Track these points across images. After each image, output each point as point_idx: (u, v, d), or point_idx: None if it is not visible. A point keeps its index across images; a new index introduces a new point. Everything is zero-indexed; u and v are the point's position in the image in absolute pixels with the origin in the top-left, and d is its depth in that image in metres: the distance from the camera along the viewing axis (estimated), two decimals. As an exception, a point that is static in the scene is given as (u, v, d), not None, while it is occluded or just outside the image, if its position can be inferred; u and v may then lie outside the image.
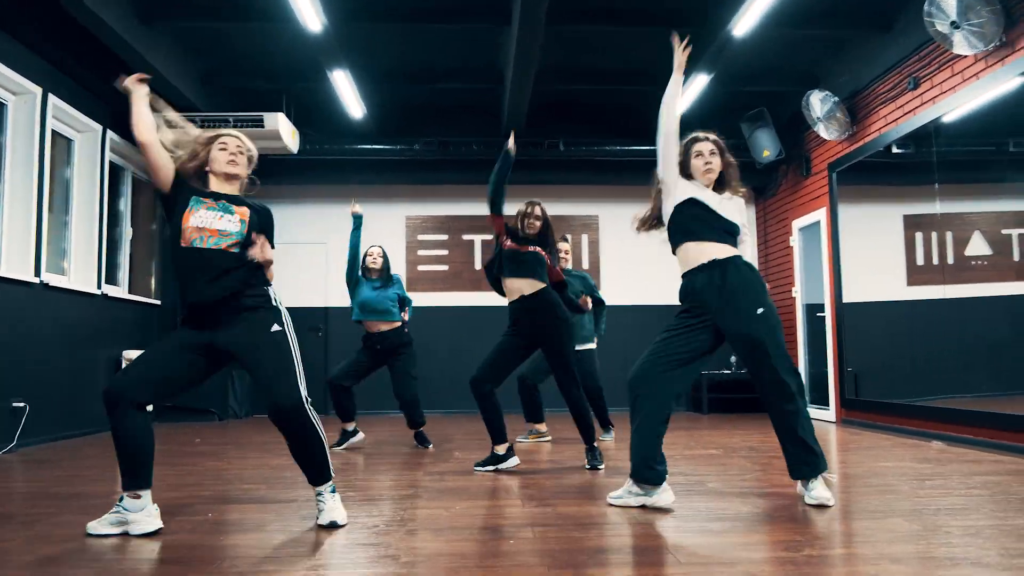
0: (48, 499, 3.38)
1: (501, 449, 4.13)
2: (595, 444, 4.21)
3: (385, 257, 5.46)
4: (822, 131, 6.78)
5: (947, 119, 5.42)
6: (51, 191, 6.03)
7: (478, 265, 8.70)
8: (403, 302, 5.42)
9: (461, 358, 7.76)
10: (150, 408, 2.70)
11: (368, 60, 6.69)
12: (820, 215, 7.38)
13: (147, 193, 7.82)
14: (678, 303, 3.24)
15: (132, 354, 6.68)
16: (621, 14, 5.89)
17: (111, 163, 6.92)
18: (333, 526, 2.68)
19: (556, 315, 4.12)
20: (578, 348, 5.37)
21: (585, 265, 8.81)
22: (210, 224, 2.68)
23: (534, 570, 2.14)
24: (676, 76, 3.22)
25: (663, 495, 3.03)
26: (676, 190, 3.21)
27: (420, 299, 8.39)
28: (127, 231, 7.37)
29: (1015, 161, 5.14)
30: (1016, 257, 5.02)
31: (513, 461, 4.14)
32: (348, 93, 6.83)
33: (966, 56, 5.10)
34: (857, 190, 6.90)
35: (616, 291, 8.64)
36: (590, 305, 5.02)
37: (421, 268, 8.78)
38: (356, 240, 5.29)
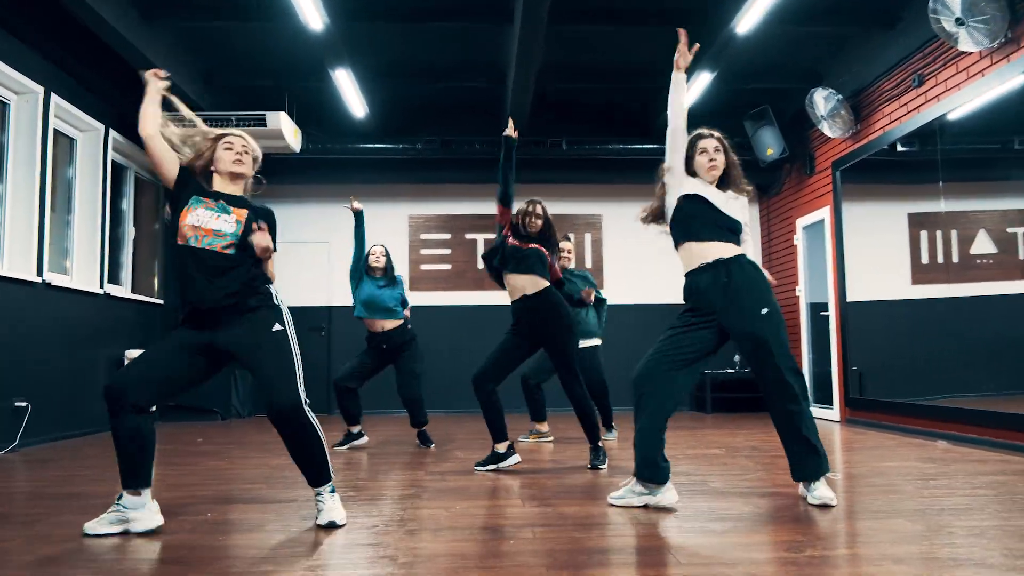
0: (48, 499, 3.37)
1: (502, 447, 4.12)
2: (599, 444, 4.19)
3: (388, 256, 5.45)
4: (826, 129, 6.74)
5: (952, 117, 5.39)
6: (53, 190, 6.04)
7: (481, 264, 8.68)
8: (403, 303, 5.41)
9: (464, 357, 7.74)
10: (153, 409, 2.69)
11: (370, 59, 6.68)
12: (824, 213, 7.34)
13: (150, 192, 7.83)
14: (682, 302, 3.22)
15: (134, 353, 6.68)
16: (623, 12, 5.88)
17: (114, 162, 6.92)
18: (332, 526, 2.67)
19: (559, 315, 4.10)
20: (582, 345, 5.34)
21: (588, 264, 8.79)
22: (206, 223, 2.67)
23: (533, 571, 2.12)
24: (676, 74, 3.18)
25: (667, 494, 3.01)
26: (681, 186, 3.19)
27: (423, 298, 8.40)
28: (130, 230, 7.38)
29: (1021, 159, 5.11)
30: (1022, 255, 4.98)
31: (514, 459, 4.14)
32: (350, 92, 6.82)
33: (971, 53, 5.06)
34: (861, 188, 6.87)
35: (619, 290, 8.62)
36: (592, 298, 5.01)
37: (424, 267, 8.77)
38: (361, 235, 5.26)
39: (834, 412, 7.12)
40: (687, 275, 3.20)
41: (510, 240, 4.18)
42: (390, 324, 5.23)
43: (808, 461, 3.02)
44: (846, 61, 6.67)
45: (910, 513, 2.83)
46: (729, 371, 8.26)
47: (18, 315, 5.31)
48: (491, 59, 6.77)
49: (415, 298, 7.96)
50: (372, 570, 2.17)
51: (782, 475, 3.62)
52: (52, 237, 6.01)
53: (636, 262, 8.68)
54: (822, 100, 6.60)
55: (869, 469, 4.01)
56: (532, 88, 6.70)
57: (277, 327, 2.69)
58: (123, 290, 7.11)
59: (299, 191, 8.44)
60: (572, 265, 5.70)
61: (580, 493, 3.38)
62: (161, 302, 7.77)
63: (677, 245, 3.25)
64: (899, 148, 6.08)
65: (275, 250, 2.81)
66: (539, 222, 4.21)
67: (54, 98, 5.77)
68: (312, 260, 8.54)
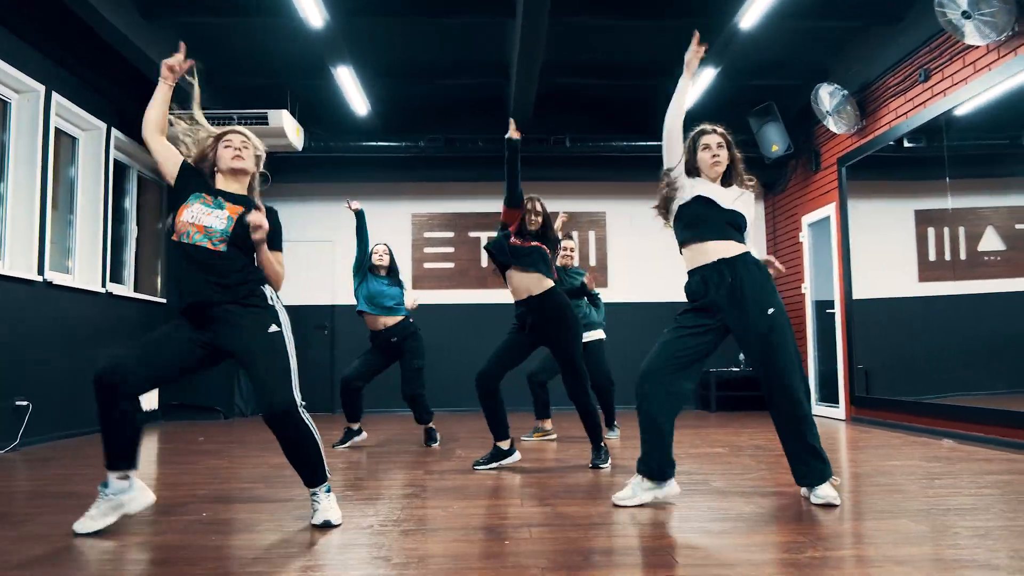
0: (45, 498, 3.36)
1: (504, 445, 4.11)
2: (602, 443, 4.16)
3: (391, 254, 5.42)
4: (831, 125, 6.68)
5: (959, 112, 5.33)
6: (55, 189, 6.03)
7: (484, 263, 8.65)
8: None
9: (467, 356, 7.68)
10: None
11: (371, 56, 6.65)
12: (830, 210, 7.28)
13: (153, 191, 7.83)
14: (686, 300, 3.18)
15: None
16: (626, 6, 5.83)
17: (116, 161, 6.92)
18: (327, 526, 2.64)
19: (564, 315, 4.07)
20: (586, 338, 5.30)
21: (592, 262, 8.75)
22: (198, 220, 2.66)
23: (529, 571, 2.09)
24: (685, 78, 3.14)
25: (671, 487, 3.02)
26: (683, 191, 3.15)
27: (426, 297, 8.35)
28: (132, 229, 7.37)
29: (1028, 154, 5.05)
30: (1029, 252, 4.92)
31: (515, 456, 4.14)
32: (352, 89, 6.80)
33: (978, 47, 5.00)
34: (867, 185, 6.81)
35: (623, 288, 8.59)
36: (594, 286, 4.98)
37: (427, 266, 8.74)
38: (363, 234, 5.23)
39: (839, 410, 7.07)
40: (689, 273, 3.16)
41: (512, 240, 4.15)
42: (392, 321, 5.21)
43: (812, 466, 2.98)
44: (851, 56, 6.61)
45: (914, 513, 2.78)
46: (734, 369, 8.21)
47: (19, 314, 5.30)
48: (493, 55, 6.73)
49: (418, 297, 7.91)
50: (365, 570, 2.14)
51: (785, 474, 3.56)
52: (54, 236, 6.01)
53: (640, 260, 8.64)
54: (827, 96, 6.55)
55: (873, 468, 3.96)
56: (535, 84, 6.67)
57: (273, 328, 2.66)
58: (125, 289, 7.10)
59: (302, 190, 8.42)
60: (576, 263, 5.68)
61: (581, 492, 3.35)
62: (164, 301, 7.76)
63: (680, 245, 3.22)
64: (905, 144, 6.01)
65: (281, 249, 2.79)
66: (539, 219, 4.18)
67: (55, 97, 5.76)
68: (315, 259, 8.52)
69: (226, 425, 7.06)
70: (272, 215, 2.81)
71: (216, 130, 2.87)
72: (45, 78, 5.65)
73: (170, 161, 2.79)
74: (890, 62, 6.13)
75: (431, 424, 5.28)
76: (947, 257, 5.64)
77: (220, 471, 4.11)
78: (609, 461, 4.12)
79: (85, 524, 2.57)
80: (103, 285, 6.46)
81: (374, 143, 7.82)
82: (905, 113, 5.97)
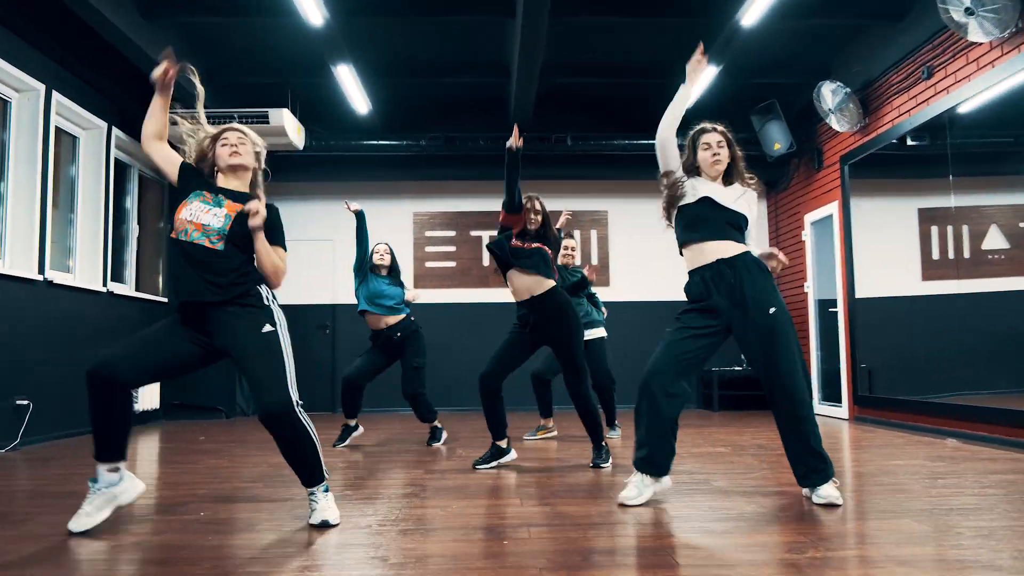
0: (45, 497, 3.35)
1: (503, 443, 4.12)
2: (603, 443, 4.14)
3: (392, 254, 5.41)
4: (834, 123, 6.65)
5: (962, 109, 5.29)
6: (56, 189, 6.03)
7: (486, 262, 8.64)
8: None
9: (469, 355, 7.69)
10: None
11: (371, 54, 6.64)
12: (832, 209, 7.25)
13: (154, 190, 7.82)
14: (686, 300, 3.16)
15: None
16: (626, 5, 5.81)
17: (117, 160, 6.91)
18: (325, 525, 2.62)
19: (566, 314, 4.06)
20: (588, 336, 5.29)
21: (594, 261, 8.72)
22: (196, 218, 2.66)
23: (527, 572, 2.07)
24: (687, 88, 3.11)
25: (667, 480, 3.05)
26: (687, 192, 3.13)
27: (428, 296, 8.34)
28: (133, 228, 7.36)
29: (1033, 152, 5.02)
30: (1033, 250, 4.89)
31: (512, 455, 4.17)
32: (353, 88, 6.79)
33: (981, 43, 4.97)
34: (870, 183, 6.77)
35: (625, 286, 8.56)
36: (594, 278, 5.01)
37: (429, 265, 8.73)
38: (363, 235, 5.21)
39: (842, 410, 7.04)
40: (690, 274, 3.14)
41: (513, 242, 4.14)
42: (392, 320, 5.19)
43: (814, 467, 2.96)
44: (854, 54, 6.58)
45: (917, 513, 2.76)
46: (736, 369, 8.18)
47: (19, 313, 5.29)
48: (494, 54, 6.72)
49: (420, 296, 7.88)
50: (363, 570, 2.12)
51: (787, 474, 3.54)
52: (55, 235, 6.00)
53: (642, 258, 8.61)
54: (830, 94, 6.52)
55: (876, 468, 3.94)
56: (536, 83, 6.65)
57: (268, 328, 2.65)
58: (127, 288, 7.09)
59: (303, 188, 8.41)
60: (578, 262, 5.66)
61: (581, 492, 3.33)
62: (165, 300, 7.75)
63: (680, 246, 3.20)
64: (909, 142, 5.98)
65: (285, 248, 2.77)
66: (538, 218, 4.17)
67: (56, 96, 5.76)
68: (316, 258, 8.51)
69: (227, 424, 7.05)
70: (273, 211, 2.79)
71: (213, 130, 2.86)
72: (45, 77, 5.64)
73: (170, 163, 2.80)
74: (893, 59, 6.10)
75: (436, 423, 5.26)
76: (951, 256, 5.61)
77: (220, 470, 4.10)
78: (610, 460, 4.10)
79: (80, 522, 2.56)
80: (104, 284, 6.46)
81: (375, 142, 7.81)
82: (908, 111, 5.94)
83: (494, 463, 4.09)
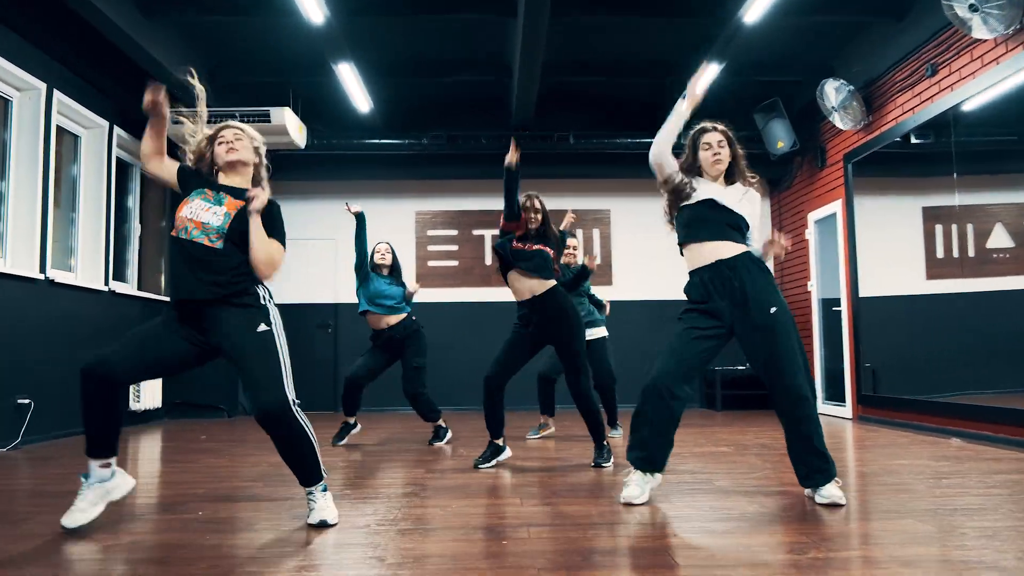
0: (44, 496, 3.34)
1: (500, 441, 4.13)
2: (604, 442, 4.12)
3: (393, 253, 5.39)
4: (837, 121, 6.62)
5: (966, 107, 5.26)
6: (58, 188, 6.03)
7: (488, 260, 8.62)
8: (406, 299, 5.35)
9: (471, 354, 7.67)
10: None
11: (373, 53, 6.63)
12: (836, 207, 7.22)
13: (156, 189, 7.81)
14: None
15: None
16: (628, 2, 5.78)
17: (119, 159, 6.91)
18: (323, 525, 2.61)
19: (567, 313, 4.05)
20: (590, 336, 5.27)
21: (597, 260, 8.66)
22: (196, 216, 2.65)
23: (525, 572, 2.05)
24: (685, 106, 3.09)
25: (660, 474, 3.07)
26: (690, 192, 3.11)
27: (430, 295, 8.32)
28: (135, 228, 7.36)
29: (1038, 149, 4.98)
30: (1038, 248, 4.86)
31: (507, 453, 4.20)
32: (354, 87, 6.77)
33: (985, 40, 4.93)
34: (874, 181, 6.74)
35: (628, 285, 8.54)
36: (595, 264, 5.07)
37: (431, 264, 8.71)
38: (363, 238, 5.18)
39: (846, 409, 7.01)
40: (690, 274, 3.13)
41: (515, 244, 4.13)
42: (394, 319, 5.18)
43: (818, 468, 2.93)
44: (857, 51, 6.55)
45: (921, 513, 2.73)
46: (739, 368, 8.14)
47: (21, 312, 5.29)
48: (495, 52, 6.70)
49: (422, 295, 7.86)
50: (359, 570, 2.10)
51: (790, 473, 3.51)
52: (57, 234, 6.00)
53: (645, 257, 8.58)
54: (833, 91, 6.48)
55: (880, 467, 3.91)
56: (538, 81, 6.63)
57: (263, 327, 2.63)
58: (129, 287, 7.09)
59: (304, 187, 8.39)
60: (580, 261, 5.63)
61: (582, 491, 3.31)
62: (168, 299, 7.73)
63: (680, 246, 3.19)
64: (912, 140, 5.95)
65: (283, 245, 2.75)
66: (538, 216, 4.15)
67: (57, 95, 5.75)
68: (318, 257, 8.50)
69: (229, 424, 7.05)
70: (274, 207, 2.77)
71: (210, 131, 2.85)
72: (47, 76, 5.63)
73: (171, 174, 2.79)
74: (896, 57, 6.06)
75: (440, 422, 5.25)
76: (955, 254, 5.57)
77: (220, 469, 4.09)
78: (612, 460, 4.07)
79: (74, 517, 2.55)
80: (106, 283, 6.45)
81: (377, 140, 7.79)
82: (912, 108, 5.90)
83: (494, 461, 4.08)
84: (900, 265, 6.24)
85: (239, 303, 2.63)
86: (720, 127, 3.19)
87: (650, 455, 3.00)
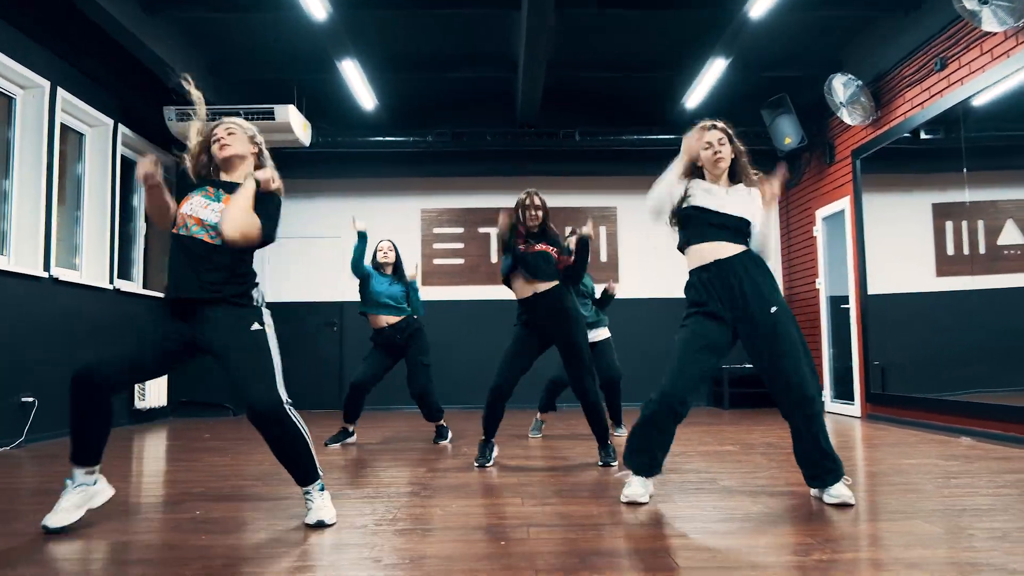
0: (46, 495, 3.29)
1: (493, 439, 4.11)
2: (609, 442, 4.08)
3: (397, 251, 5.36)
4: (845, 116, 6.55)
5: (976, 102, 5.19)
6: (63, 186, 6.03)
7: (494, 258, 8.58)
8: (408, 299, 5.30)
9: (478, 353, 7.65)
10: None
11: (376, 49, 6.60)
12: (844, 204, 7.15)
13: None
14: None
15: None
16: (633, -3, 5.74)
17: (124, 157, 6.91)
18: (320, 525, 2.58)
19: (565, 308, 4.00)
20: (594, 339, 5.24)
21: (603, 258, 8.65)
22: (195, 212, 2.64)
23: (521, 574, 2.01)
24: (678, 173, 3.09)
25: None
26: (689, 195, 3.09)
27: (436, 293, 8.30)
28: (141, 226, 7.36)
29: (1049, 144, 4.90)
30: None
31: (496, 449, 4.20)
32: (358, 83, 6.75)
33: (995, 33, 4.86)
34: (883, 177, 6.66)
35: (635, 283, 8.49)
36: (616, 287, 5.05)
37: (437, 262, 8.68)
38: (361, 252, 5.14)
39: (855, 408, 6.94)
40: (689, 274, 3.10)
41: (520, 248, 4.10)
42: (394, 319, 5.14)
43: (827, 468, 2.88)
44: (865, 46, 6.47)
45: (929, 514, 2.68)
46: (747, 367, 8.07)
47: (25, 310, 5.29)
48: (500, 48, 6.65)
49: (428, 293, 7.84)
50: (354, 571, 2.07)
51: (796, 473, 3.46)
52: (62, 233, 6.00)
53: (652, 255, 8.52)
54: (841, 86, 6.41)
55: (889, 467, 3.86)
56: (543, 77, 6.59)
57: (256, 326, 2.61)
58: (134, 286, 7.09)
59: (309, 186, 8.37)
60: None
61: (584, 491, 3.26)
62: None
63: (681, 248, 3.17)
64: (922, 135, 5.88)
65: (272, 238, 2.71)
66: (538, 213, 4.11)
67: (61, 93, 5.74)
68: (323, 255, 8.48)
69: (234, 422, 7.03)
70: (274, 196, 2.73)
71: (202, 136, 2.83)
72: (50, 74, 5.63)
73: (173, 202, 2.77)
74: (905, 51, 5.98)
75: (442, 421, 5.22)
76: (965, 251, 5.50)
77: (221, 468, 4.07)
78: (618, 459, 4.03)
79: (58, 518, 2.52)
80: (111, 282, 6.46)
81: (381, 138, 7.77)
82: (921, 103, 5.83)
83: (492, 459, 4.07)
84: (909, 262, 6.17)
85: (234, 301, 2.60)
86: (720, 124, 3.13)
87: (652, 461, 2.98)
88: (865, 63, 6.46)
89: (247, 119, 6.34)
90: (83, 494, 2.59)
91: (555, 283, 4.04)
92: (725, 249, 2.98)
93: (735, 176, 3.15)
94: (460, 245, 8.72)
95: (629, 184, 8.54)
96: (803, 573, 1.98)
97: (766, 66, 6.85)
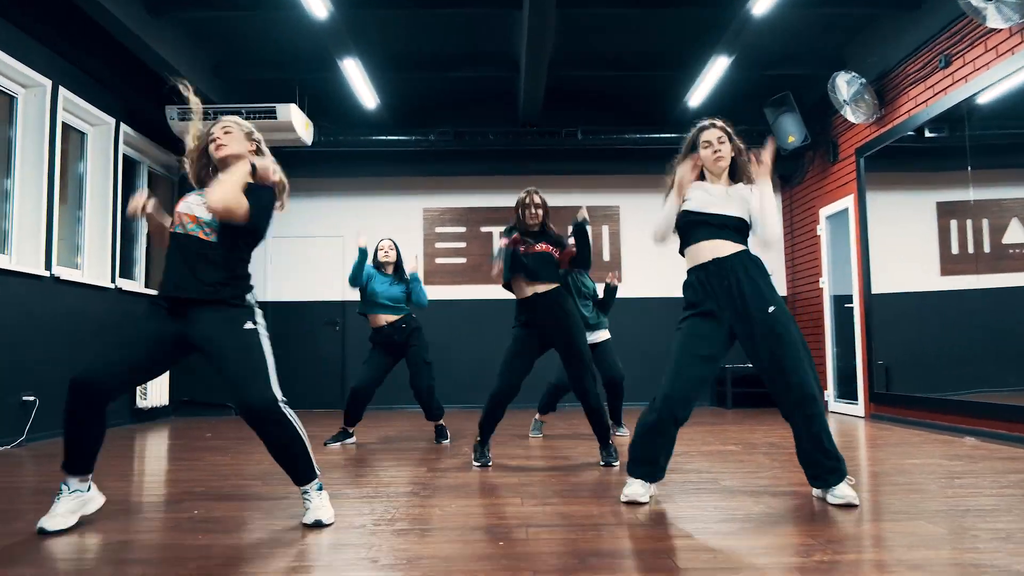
0: (46, 494, 3.28)
1: (487, 438, 4.10)
2: (610, 441, 4.06)
3: (397, 250, 5.35)
4: (849, 115, 6.51)
5: (981, 99, 5.15)
6: (65, 185, 6.02)
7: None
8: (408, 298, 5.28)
9: (480, 352, 7.64)
10: None
11: (377, 48, 6.58)
12: (848, 202, 7.11)
13: (164, 187, 7.81)
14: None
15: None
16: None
17: (126, 157, 6.90)
18: (318, 525, 2.56)
19: (565, 310, 3.99)
20: (594, 340, 5.22)
21: (606, 257, 8.62)
22: (191, 210, 2.65)
23: (519, 575, 1.99)
24: (675, 197, 3.08)
25: None
26: (684, 199, 3.09)
27: (438, 292, 8.28)
28: (143, 225, 7.36)
29: (1054, 142, 4.87)
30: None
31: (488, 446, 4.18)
32: (360, 82, 6.73)
33: (1000, 30, 4.83)
34: (887, 176, 6.63)
35: (638, 282, 8.46)
36: (617, 281, 5.00)
37: (439, 261, 8.66)
38: (360, 266, 5.14)
39: (858, 407, 6.90)
40: (688, 272, 3.08)
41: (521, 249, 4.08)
42: (393, 317, 5.13)
43: (830, 468, 2.86)
44: (869, 43, 6.43)
45: (932, 514, 2.65)
46: (750, 366, 8.03)
47: (26, 309, 5.28)
48: (501, 47, 6.63)
49: (430, 293, 7.79)
50: (349, 572, 2.06)
51: (799, 473, 3.44)
52: (64, 232, 5.99)
53: (655, 254, 8.46)
54: (845, 84, 6.37)
55: (892, 467, 3.83)
56: (545, 76, 6.57)
57: (248, 325, 2.60)
58: (136, 285, 7.09)
59: (311, 185, 8.36)
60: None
61: (585, 491, 3.24)
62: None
63: (681, 248, 3.17)
64: (926, 133, 5.84)
65: (261, 234, 2.70)
66: (539, 212, 4.09)
67: (62, 92, 5.74)
68: (325, 254, 8.47)
69: (236, 421, 7.02)
70: (268, 191, 2.71)
71: (199, 143, 2.82)
72: (52, 73, 5.62)
73: None
74: (909, 48, 5.94)
75: (442, 421, 5.20)
76: (970, 250, 5.47)
77: (221, 468, 4.06)
78: (620, 460, 4.01)
79: (54, 522, 2.51)
80: (112, 281, 6.45)
81: (383, 137, 7.75)
82: (925, 101, 5.79)
83: (488, 460, 4.05)
84: (914, 261, 6.14)
85: (229, 301, 2.59)
86: (719, 123, 3.12)
87: (656, 468, 2.96)
88: (869, 60, 6.42)
89: (249, 119, 6.36)
90: (78, 500, 2.58)
91: (555, 285, 4.02)
92: (723, 248, 2.97)
93: (736, 175, 3.13)
94: (462, 244, 8.70)
95: (632, 183, 8.52)
96: (804, 574, 1.96)
97: (769, 64, 6.82)
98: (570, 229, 4.22)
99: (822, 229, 7.71)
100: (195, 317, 2.57)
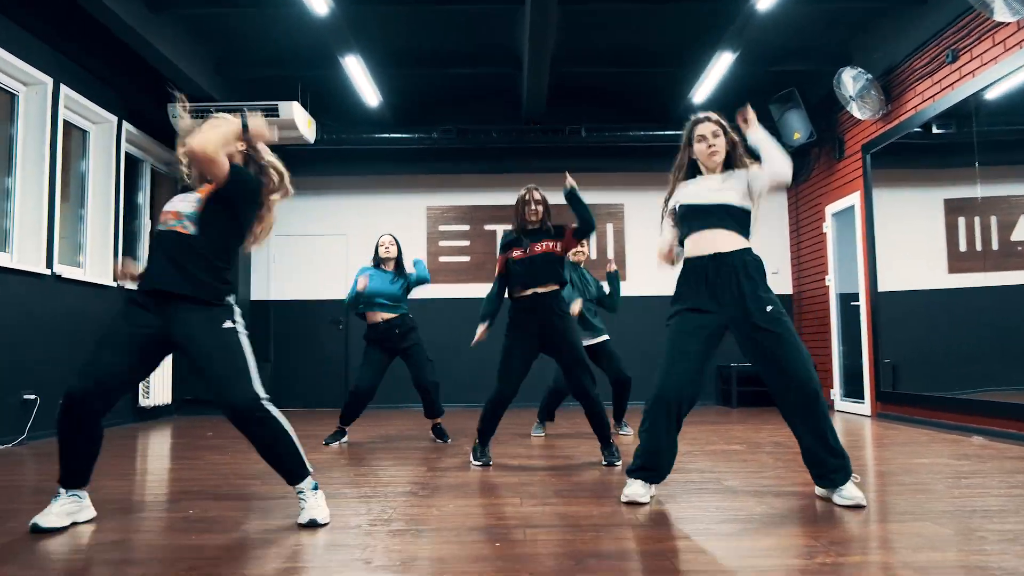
0: (46, 493, 3.26)
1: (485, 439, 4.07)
2: (612, 440, 4.02)
3: (398, 246, 5.32)
4: (855, 111, 6.44)
5: (989, 94, 5.08)
6: (66, 183, 6.01)
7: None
8: (406, 289, 5.26)
9: (483, 352, 7.51)
10: None
11: (379, 44, 6.55)
12: (854, 199, 7.05)
13: (167, 185, 7.80)
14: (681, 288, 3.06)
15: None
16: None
17: (129, 155, 6.89)
18: (313, 525, 2.53)
19: (562, 311, 3.97)
20: (592, 342, 5.18)
21: (610, 255, 8.57)
22: (173, 207, 2.63)
23: (516, 577, 1.96)
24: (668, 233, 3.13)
25: None
26: (678, 195, 3.09)
27: (442, 291, 8.25)
28: (146, 224, 7.35)
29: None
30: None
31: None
32: (362, 80, 6.70)
33: (1008, 24, 4.76)
34: (893, 173, 6.56)
35: (642, 280, 8.40)
36: (613, 268, 5.05)
37: (443, 259, 8.62)
38: (353, 299, 5.14)
39: (865, 406, 6.84)
40: (685, 261, 3.06)
41: (515, 252, 4.04)
42: (390, 315, 5.10)
43: (836, 467, 2.81)
44: (875, 38, 6.37)
45: (939, 515, 2.60)
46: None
47: (28, 308, 5.27)
48: (504, 43, 6.59)
49: (434, 291, 7.77)
50: (343, 573, 2.02)
51: (802, 473, 3.39)
52: (65, 231, 5.98)
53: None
54: (851, 80, 6.31)
55: (899, 466, 3.78)
56: (548, 73, 6.53)
57: (228, 324, 2.57)
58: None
59: (314, 183, 8.33)
60: (593, 255, 5.54)
61: (585, 492, 3.20)
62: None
63: (680, 242, 3.14)
64: (933, 130, 5.77)
65: (246, 230, 2.67)
66: (539, 208, 4.06)
67: (64, 89, 5.72)
68: (328, 252, 8.44)
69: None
70: (252, 179, 2.67)
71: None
72: (53, 70, 5.60)
73: None
74: (916, 43, 5.88)
75: (440, 420, 5.18)
76: (978, 247, 5.40)
77: (220, 467, 4.03)
78: (621, 460, 3.96)
79: (48, 520, 2.49)
80: (114, 279, 6.42)
81: (386, 135, 7.73)
82: (932, 96, 5.72)
83: (487, 459, 4.02)
84: (921, 258, 6.07)
85: (207, 299, 2.56)
86: (713, 117, 3.09)
87: (658, 468, 2.92)
88: (875, 56, 6.35)
89: (250, 116, 6.37)
90: (75, 504, 2.57)
91: (555, 287, 3.99)
92: (724, 240, 2.93)
93: (731, 165, 3.10)
94: (466, 243, 8.66)
95: (636, 180, 8.47)
96: (806, 577, 1.92)
97: (774, 60, 6.76)
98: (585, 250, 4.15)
99: (828, 226, 7.64)
100: (175, 315, 2.53)
